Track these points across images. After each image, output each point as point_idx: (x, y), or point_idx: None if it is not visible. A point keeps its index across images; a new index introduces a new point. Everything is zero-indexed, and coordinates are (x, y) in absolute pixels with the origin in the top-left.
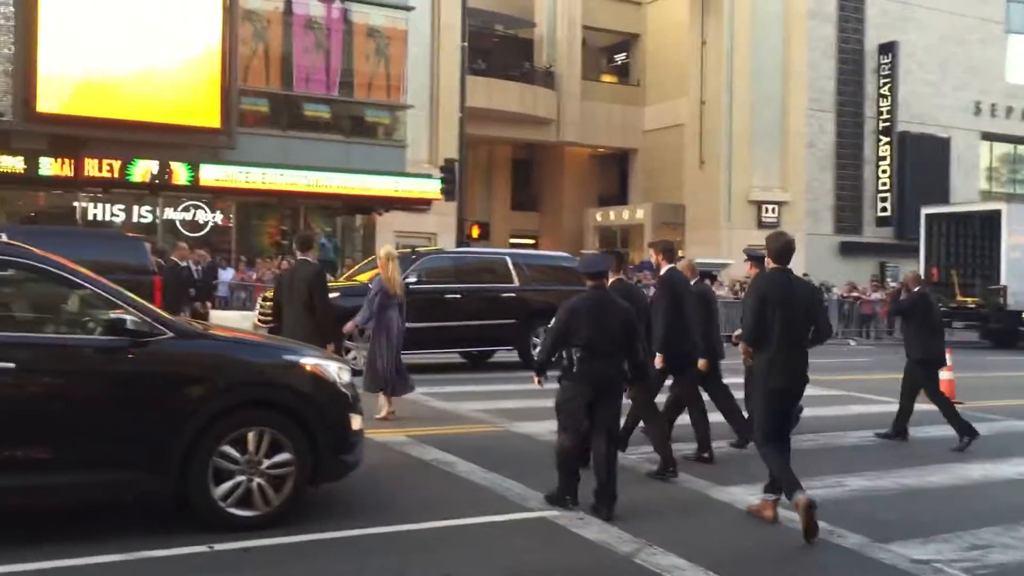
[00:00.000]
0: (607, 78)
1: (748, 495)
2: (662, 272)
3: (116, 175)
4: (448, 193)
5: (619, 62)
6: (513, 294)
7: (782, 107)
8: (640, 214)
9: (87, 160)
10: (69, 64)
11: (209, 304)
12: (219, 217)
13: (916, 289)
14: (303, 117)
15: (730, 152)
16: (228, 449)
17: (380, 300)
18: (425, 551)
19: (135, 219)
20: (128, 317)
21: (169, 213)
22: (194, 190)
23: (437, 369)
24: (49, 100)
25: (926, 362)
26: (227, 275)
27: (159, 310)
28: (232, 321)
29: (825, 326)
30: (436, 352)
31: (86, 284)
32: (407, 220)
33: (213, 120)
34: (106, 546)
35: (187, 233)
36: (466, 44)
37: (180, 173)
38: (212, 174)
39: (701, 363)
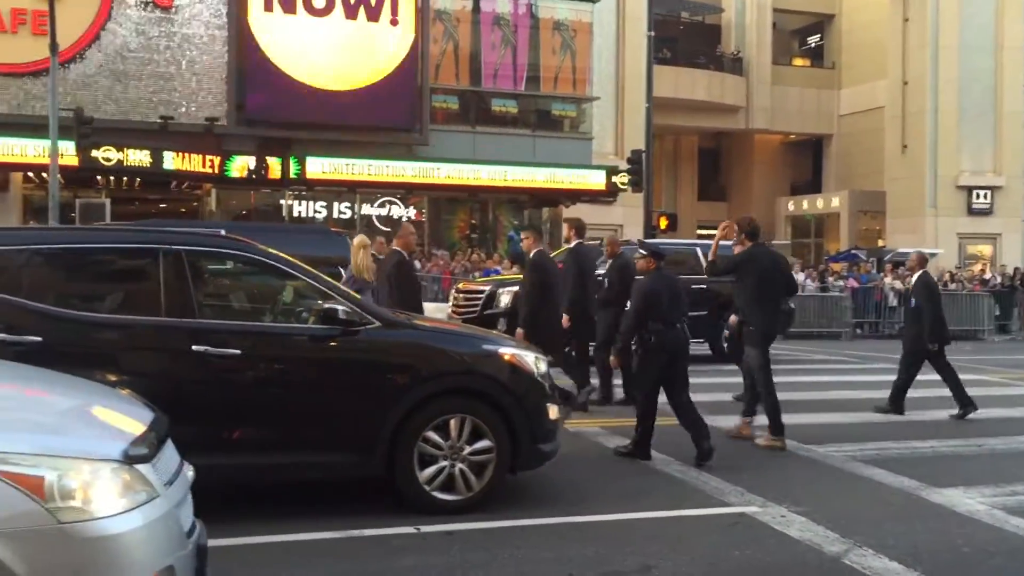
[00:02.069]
0: (799, 62)
1: (965, 497)
2: (571, 245)
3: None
4: (635, 184)
5: (812, 45)
6: (703, 286)
7: (994, 84)
8: (836, 202)
9: (292, 160)
10: (276, 71)
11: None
12: (412, 212)
13: None
14: (491, 112)
15: (936, 135)
16: (432, 435)
17: (352, 287)
18: (624, 542)
19: (335, 215)
20: (340, 307)
21: (366, 209)
22: (389, 186)
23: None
24: (258, 106)
25: None
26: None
27: (368, 300)
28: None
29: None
30: None
31: (301, 276)
32: (593, 212)
33: (407, 119)
34: (321, 524)
35: (382, 228)
36: (652, 33)
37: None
38: (406, 170)
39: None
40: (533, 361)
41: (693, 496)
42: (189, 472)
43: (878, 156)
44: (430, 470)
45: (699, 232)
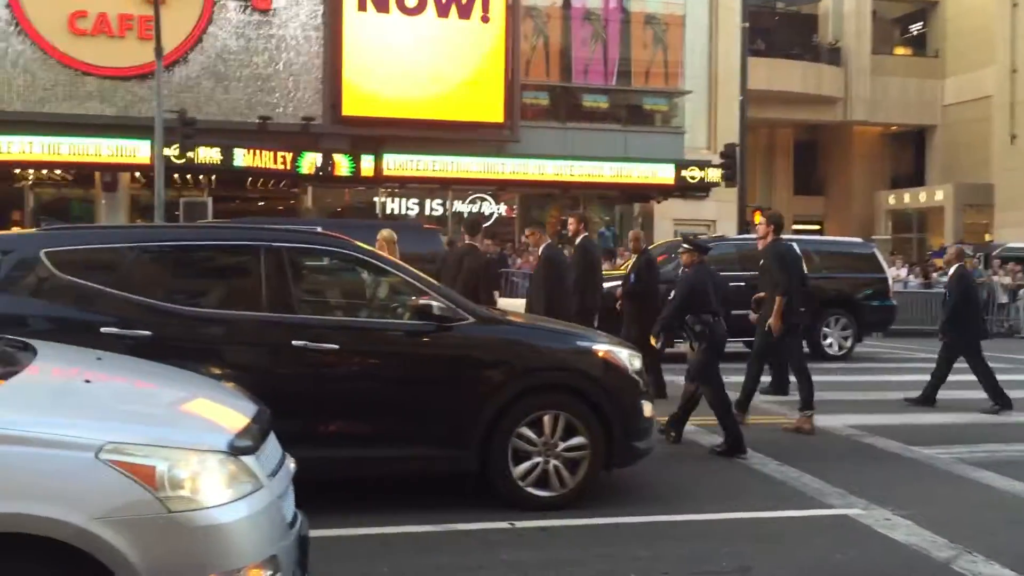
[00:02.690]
0: (900, 51)
1: None
2: (577, 240)
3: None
4: (729, 179)
5: (914, 33)
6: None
7: None
8: (939, 196)
9: (385, 158)
10: (369, 70)
11: (497, 292)
12: (503, 208)
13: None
14: (581, 108)
15: None
16: (526, 431)
17: None
18: (721, 542)
19: (427, 212)
20: (435, 303)
21: (458, 205)
22: (480, 183)
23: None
24: (352, 104)
25: None
26: (518, 263)
27: (462, 297)
28: (520, 308)
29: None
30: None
31: (396, 272)
32: (685, 208)
33: (497, 115)
34: (418, 517)
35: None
36: (746, 24)
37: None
38: (497, 167)
39: None
40: (627, 358)
41: (792, 497)
42: (291, 464)
43: (985, 147)
44: (524, 466)
45: (794, 227)
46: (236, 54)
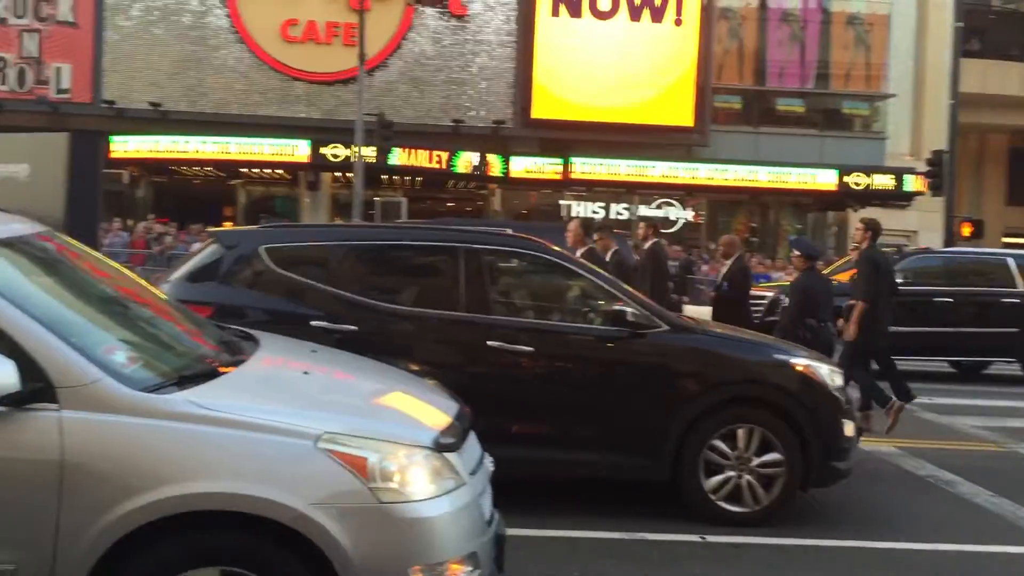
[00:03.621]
0: None
1: None
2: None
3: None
4: (936, 188)
5: None
6: (1016, 300)
7: None
8: None
9: (573, 160)
10: (559, 74)
11: (686, 298)
12: (690, 214)
13: None
14: (775, 112)
15: None
16: (719, 444)
17: None
18: (923, 574)
19: (612, 215)
20: (628, 309)
21: (643, 210)
22: (667, 187)
23: (923, 377)
24: (542, 108)
25: None
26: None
27: (655, 303)
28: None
29: None
30: (922, 359)
31: (589, 276)
32: (884, 217)
33: (687, 119)
34: (607, 523)
35: (660, 230)
36: (960, 24)
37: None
38: (685, 172)
39: None
40: (828, 373)
41: (1008, 532)
42: (489, 463)
43: None
44: (716, 479)
45: (1004, 240)
46: (432, 59)
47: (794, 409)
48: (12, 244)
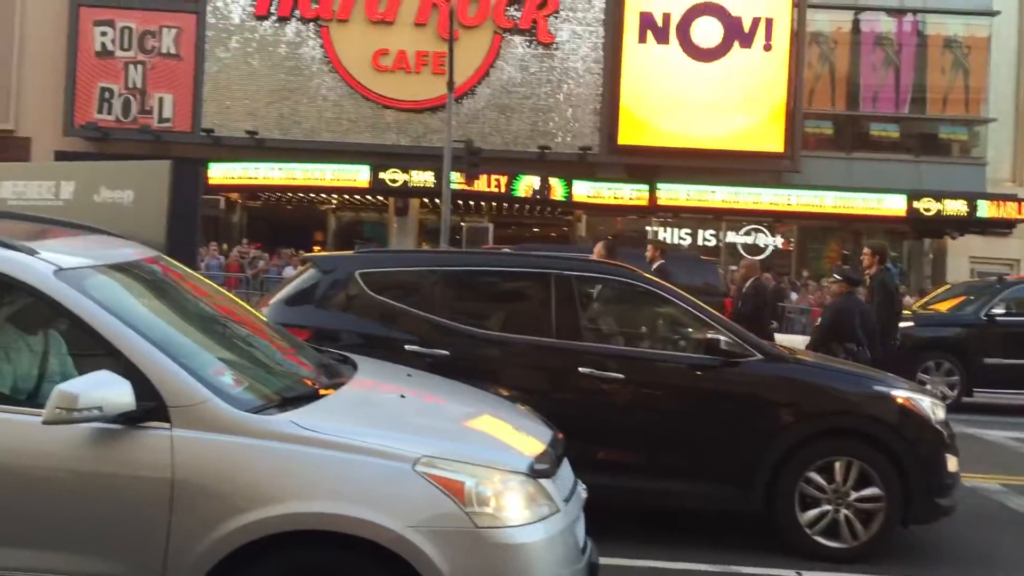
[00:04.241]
0: None
1: None
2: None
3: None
4: None
5: None
6: None
7: None
8: None
9: (659, 187)
10: (646, 100)
11: (775, 324)
12: (779, 241)
13: None
14: (868, 137)
15: None
16: (815, 476)
17: None
18: None
19: (699, 242)
20: (722, 338)
21: (731, 236)
22: (756, 214)
23: None
24: (628, 134)
25: None
26: (792, 297)
27: (749, 333)
28: (798, 345)
29: None
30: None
31: (682, 304)
32: (984, 245)
33: (777, 145)
34: (698, 555)
35: (747, 256)
36: None
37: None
38: (773, 198)
39: None
40: (930, 406)
41: None
42: (583, 491)
43: None
44: (812, 513)
45: None
46: (519, 86)
47: (894, 442)
48: (125, 268)
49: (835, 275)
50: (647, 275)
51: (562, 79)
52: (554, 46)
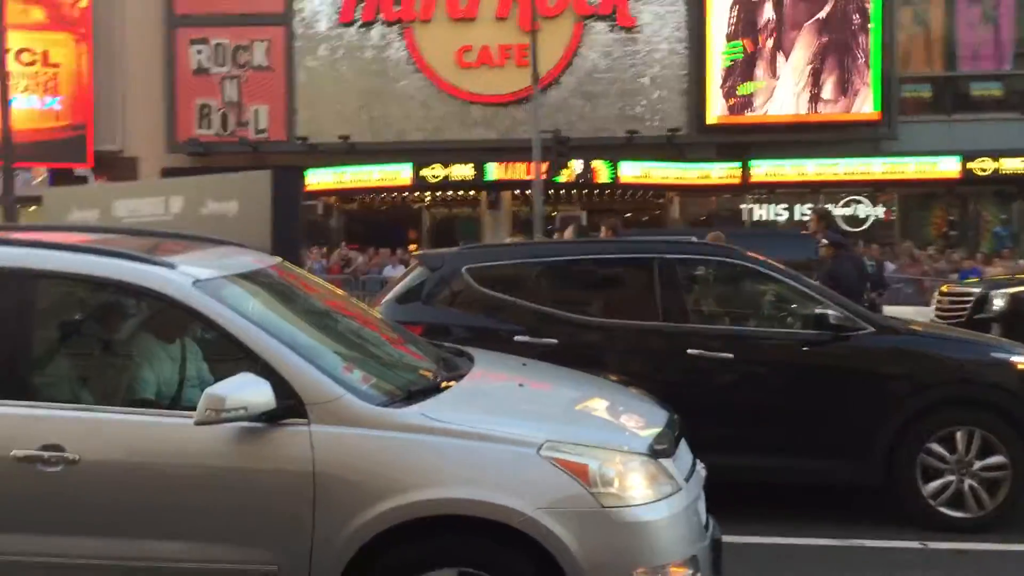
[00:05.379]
0: None
1: None
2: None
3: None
4: None
5: None
6: None
7: None
8: None
9: (752, 164)
10: (736, 75)
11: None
12: (881, 211)
13: None
14: (970, 97)
15: None
16: (936, 447)
17: None
18: None
19: (796, 217)
20: (831, 312)
21: (830, 209)
22: (855, 185)
23: None
24: (717, 111)
25: None
26: (889, 268)
27: (859, 306)
28: (907, 316)
29: None
30: None
31: (788, 280)
32: None
33: (873, 112)
34: (820, 530)
35: (848, 228)
36: None
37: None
38: (872, 167)
39: None
40: None
41: None
42: (702, 470)
43: None
44: (935, 484)
45: None
46: (604, 72)
47: (1016, 408)
48: (251, 276)
49: (823, 240)
50: (749, 253)
51: (646, 62)
52: (636, 29)
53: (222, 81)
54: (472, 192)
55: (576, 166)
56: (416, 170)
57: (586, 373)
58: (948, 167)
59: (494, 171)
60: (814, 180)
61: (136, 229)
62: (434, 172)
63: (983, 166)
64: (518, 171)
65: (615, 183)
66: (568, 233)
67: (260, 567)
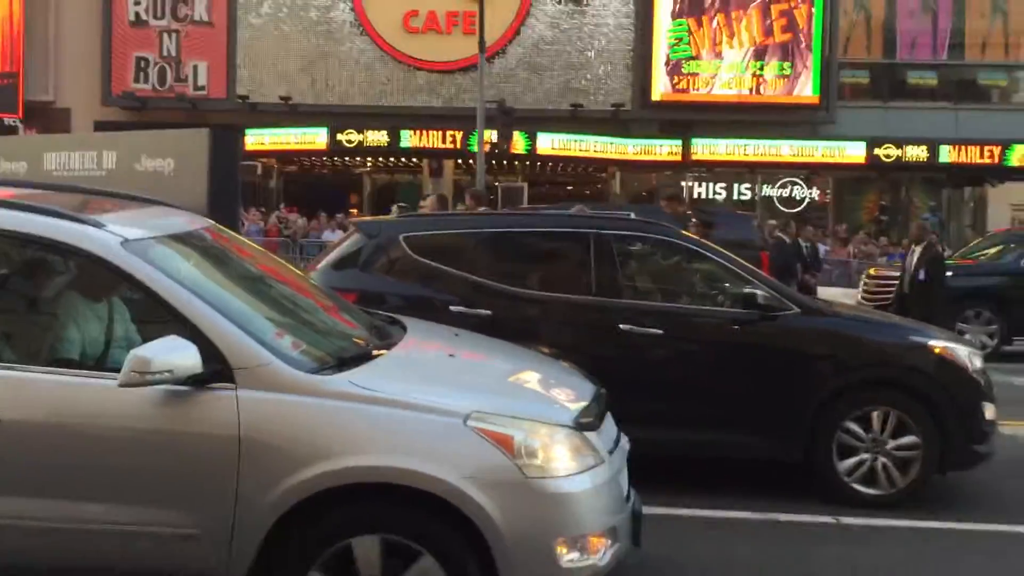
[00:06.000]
0: None
1: None
2: None
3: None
4: None
5: None
6: None
7: None
8: None
9: (694, 142)
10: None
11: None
12: (815, 193)
13: None
14: (906, 85)
15: None
16: (852, 426)
17: None
18: None
19: (735, 196)
20: (759, 292)
21: (767, 190)
22: (792, 167)
23: None
24: (661, 88)
25: None
26: (823, 250)
27: (785, 286)
28: (835, 298)
29: None
30: None
31: (718, 259)
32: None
33: (813, 96)
34: (740, 503)
35: (784, 209)
36: None
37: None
38: (808, 150)
39: None
40: (967, 356)
41: None
42: (626, 443)
43: None
44: (850, 461)
45: None
46: (551, 44)
47: (931, 391)
48: (183, 238)
49: (694, 218)
50: (683, 231)
51: (593, 36)
52: (584, 2)
53: (161, 34)
54: (415, 160)
55: (492, 136)
56: (332, 134)
57: (518, 345)
58: (882, 153)
59: (409, 138)
60: (752, 160)
61: (66, 185)
62: (348, 137)
63: (916, 152)
64: (432, 139)
65: (531, 154)
66: (430, 202)
67: (182, 530)
